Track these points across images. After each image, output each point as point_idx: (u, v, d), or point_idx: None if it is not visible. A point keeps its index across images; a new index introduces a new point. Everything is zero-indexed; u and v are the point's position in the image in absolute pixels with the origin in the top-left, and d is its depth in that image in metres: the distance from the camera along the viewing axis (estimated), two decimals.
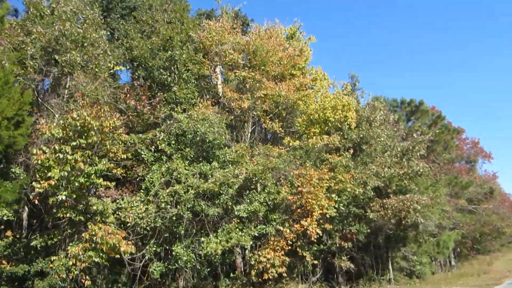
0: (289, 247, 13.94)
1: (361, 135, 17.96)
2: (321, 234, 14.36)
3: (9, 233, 12.19)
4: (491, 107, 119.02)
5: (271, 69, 17.26)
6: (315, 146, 16.94)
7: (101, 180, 11.17)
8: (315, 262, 15.67)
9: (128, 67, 16.08)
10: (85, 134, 10.97)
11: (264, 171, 14.11)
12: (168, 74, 15.89)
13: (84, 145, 11.03)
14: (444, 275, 30.39)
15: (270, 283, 14.06)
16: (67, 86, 13.51)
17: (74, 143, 10.81)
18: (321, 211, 14.14)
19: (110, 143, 11.37)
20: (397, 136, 20.41)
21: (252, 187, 14.40)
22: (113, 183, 12.04)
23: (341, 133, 18.03)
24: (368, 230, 20.08)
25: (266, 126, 17.26)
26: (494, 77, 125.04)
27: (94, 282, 12.29)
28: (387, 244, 22.89)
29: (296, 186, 14.20)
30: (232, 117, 17.12)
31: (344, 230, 17.84)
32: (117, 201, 12.40)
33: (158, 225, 12.02)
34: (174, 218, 12.08)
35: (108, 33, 17.45)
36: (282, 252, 13.58)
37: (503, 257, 45.80)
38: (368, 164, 17.63)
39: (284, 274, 13.68)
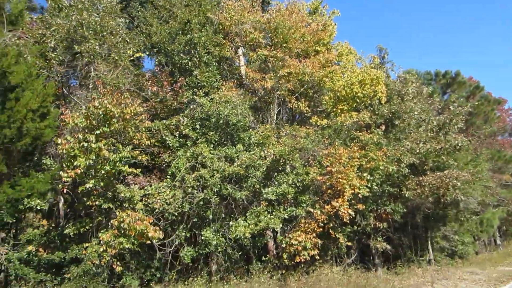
0: (321, 229, 13.48)
1: (393, 110, 17.00)
2: (354, 215, 13.79)
3: (44, 222, 12.53)
4: None
5: (294, 46, 16.58)
6: (344, 124, 16.22)
7: (126, 167, 11.16)
8: (349, 244, 15.15)
9: (149, 54, 15.93)
10: (108, 122, 10.94)
11: (291, 152, 13.64)
12: (189, 58, 15.63)
13: (107, 133, 11.02)
14: (489, 255, 28.96)
15: (302, 266, 13.72)
16: (90, 77, 13.59)
17: (98, 132, 10.81)
18: (352, 191, 13.53)
19: (133, 130, 11.29)
20: (432, 110, 19.23)
21: (280, 168, 13.99)
22: (139, 170, 11.98)
23: (371, 109, 17.16)
24: (405, 210, 19.23)
25: (292, 106, 16.69)
26: None
27: (128, 267, 12.47)
28: (426, 224, 21.90)
29: (325, 166, 13.63)
30: (256, 99, 16.71)
31: (378, 210, 17.13)
32: (145, 187, 12.41)
33: (186, 210, 11.93)
34: (201, 202, 11.93)
35: (128, 21, 17.40)
36: (314, 234, 13.15)
37: None
38: (401, 140, 16.71)
39: (317, 257, 13.27)
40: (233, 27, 16.53)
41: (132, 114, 11.05)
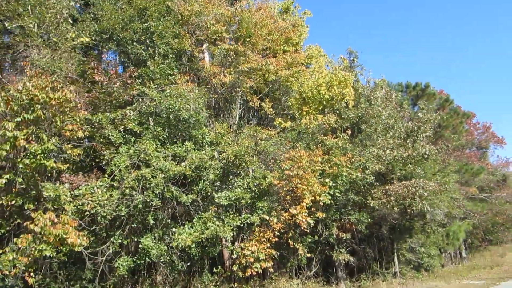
0: (277, 239, 12.32)
1: (360, 114, 16.18)
2: (312, 224, 12.72)
3: None
4: (504, 89, 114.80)
5: (259, 42, 15.52)
6: (309, 127, 15.24)
7: (51, 162, 9.62)
8: (310, 255, 14.03)
9: (99, 41, 14.40)
10: (32, 108, 9.42)
11: (247, 153, 12.46)
12: (143, 48, 14.27)
13: (30, 121, 9.49)
14: (455, 268, 28.63)
15: (255, 279, 12.49)
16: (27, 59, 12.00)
17: (19, 119, 9.28)
18: (313, 198, 12.48)
19: (61, 119, 9.79)
20: (401, 118, 18.58)
21: (235, 171, 12.79)
22: (66, 166, 10.43)
23: (338, 112, 16.28)
24: (370, 220, 18.38)
25: (253, 105, 15.57)
26: (505, 57, 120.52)
27: (55, 278, 10.89)
28: (392, 235, 21.18)
29: (283, 170, 12.52)
30: (216, 96, 15.52)
31: (342, 220, 16.19)
32: (79, 187, 10.89)
33: (123, 214, 10.48)
34: (140, 206, 10.52)
35: (81, 4, 15.88)
36: (268, 245, 11.96)
37: None
38: (368, 147, 15.87)
39: (271, 270, 12.07)
40: (193, 18, 15.29)
41: (61, 100, 9.55)
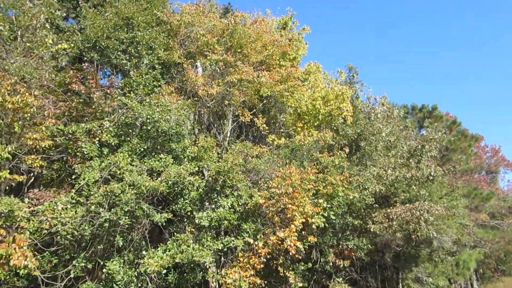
0: (263, 265, 11.02)
1: (358, 131, 15.06)
2: (305, 250, 11.40)
3: None
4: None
5: (251, 54, 14.68)
6: (303, 144, 14.16)
7: (5, 172, 8.61)
8: (302, 284, 12.61)
9: (78, 48, 13.66)
10: None
11: (232, 170, 11.35)
12: (128, 58, 13.51)
13: None
14: None
15: None
16: None
17: None
18: (304, 220, 11.23)
19: (20, 125, 8.84)
20: (405, 137, 17.40)
21: (219, 189, 11.64)
22: (23, 177, 9.39)
23: (335, 128, 15.22)
24: (371, 247, 16.93)
25: (244, 120, 14.57)
26: None
27: None
28: (396, 264, 19.59)
29: (271, 188, 11.34)
30: (205, 110, 14.59)
31: (340, 246, 14.79)
32: (46, 203, 9.83)
33: (86, 233, 9.33)
34: (106, 224, 9.37)
35: (68, 13, 15.34)
36: (253, 272, 10.65)
37: None
38: (367, 166, 14.67)
39: None
40: (183, 29, 14.57)
41: (20, 105, 8.64)
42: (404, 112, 32.10)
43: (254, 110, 16.37)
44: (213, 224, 10.98)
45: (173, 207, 11.23)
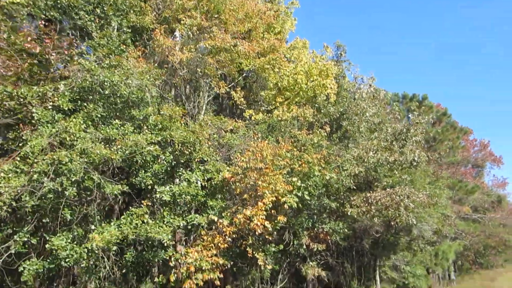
0: (226, 245, 10.19)
1: (341, 109, 14.20)
2: (272, 229, 10.58)
3: None
4: (504, 107, 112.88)
5: (229, 20, 13.53)
6: (281, 120, 13.26)
7: None
8: (270, 267, 11.86)
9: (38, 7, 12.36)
10: None
11: (198, 141, 10.40)
12: (92, 18, 12.30)
13: None
14: None
15: None
16: None
17: None
18: (275, 199, 10.40)
19: None
20: (390, 121, 16.62)
21: (183, 161, 10.70)
22: None
23: (317, 106, 14.34)
24: (349, 232, 16.32)
25: (219, 91, 13.55)
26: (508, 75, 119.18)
27: None
28: (374, 251, 19.07)
29: (239, 162, 10.44)
30: (178, 79, 13.50)
31: (316, 229, 14.07)
32: None
33: (28, 205, 8.33)
34: (50, 195, 8.38)
35: None
36: (215, 252, 9.82)
37: (506, 273, 41.43)
38: (348, 147, 13.88)
39: (217, 282, 9.89)
40: None
41: None
42: (394, 101, 31.51)
43: (233, 83, 15.37)
44: (177, 199, 10.07)
45: (133, 180, 10.27)
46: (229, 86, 15.19)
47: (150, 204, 9.77)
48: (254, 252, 11.48)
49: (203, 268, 9.42)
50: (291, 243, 13.28)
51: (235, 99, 14.58)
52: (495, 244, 32.99)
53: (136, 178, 10.24)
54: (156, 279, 10.30)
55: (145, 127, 10.12)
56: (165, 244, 9.53)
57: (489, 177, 37.88)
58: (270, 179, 10.37)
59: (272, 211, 10.51)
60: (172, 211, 10.19)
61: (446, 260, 27.12)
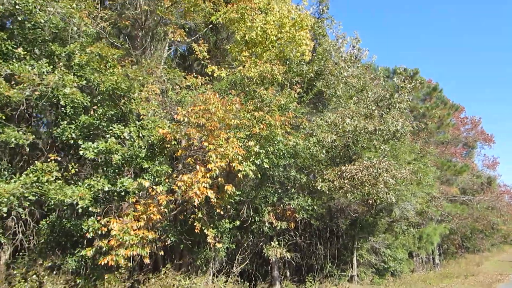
0: (159, 216, 8.44)
1: (316, 68, 12.32)
2: (217, 200, 8.82)
3: None
4: (498, 87, 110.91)
5: None
6: (245, 76, 11.37)
7: None
8: (220, 245, 10.18)
9: None
10: None
11: (133, 88, 8.51)
12: None
13: None
14: (425, 275, 25.27)
15: (122, 271, 8.62)
16: None
17: None
18: (224, 165, 8.62)
19: None
20: (375, 86, 14.77)
21: (114, 113, 8.82)
22: None
23: (288, 63, 12.43)
24: (323, 210, 14.77)
25: (173, 38, 11.56)
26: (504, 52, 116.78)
27: None
28: (352, 232, 17.58)
29: (177, 114, 8.60)
30: (128, 23, 11.51)
31: (282, 205, 12.41)
32: None
33: None
34: None
35: None
36: (147, 224, 8.10)
37: (493, 257, 40.71)
38: (322, 111, 12.07)
39: (146, 260, 8.20)
40: None
41: None
42: (384, 76, 29.60)
43: (197, 35, 13.39)
44: (108, 160, 8.27)
45: (55, 131, 8.43)
46: (192, 39, 13.25)
47: (57, 157, 7.93)
48: (203, 228, 9.83)
49: (128, 242, 7.70)
50: (251, 220, 11.63)
51: (197, 53, 12.60)
52: (483, 227, 31.84)
53: (57, 130, 8.39)
54: (82, 253, 8.53)
55: (61, 65, 8.14)
56: (81, 211, 7.78)
57: (480, 157, 36.57)
58: (219, 141, 8.56)
59: (220, 179, 8.75)
60: (98, 172, 8.40)
61: (431, 243, 25.81)
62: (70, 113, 8.48)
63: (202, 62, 12.97)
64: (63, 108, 8.44)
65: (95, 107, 8.81)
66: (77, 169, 8.21)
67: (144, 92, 9.40)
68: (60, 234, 9.14)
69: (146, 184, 8.07)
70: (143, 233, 7.88)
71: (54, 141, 8.51)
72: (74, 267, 9.02)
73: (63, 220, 8.60)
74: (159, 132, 8.41)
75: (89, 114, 8.82)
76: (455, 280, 22.85)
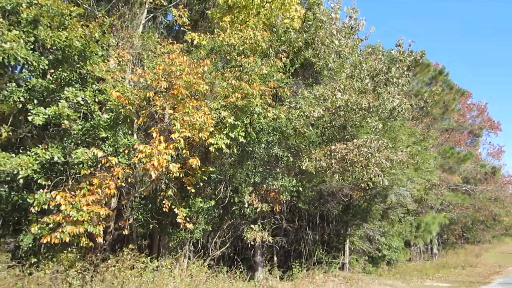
0: (114, 191, 7.52)
1: (306, 36, 11.19)
2: (177, 174, 7.84)
3: None
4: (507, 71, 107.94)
5: None
6: (227, 44, 10.30)
7: None
8: (190, 226, 9.29)
9: None
10: None
11: (87, 47, 7.50)
12: None
13: None
14: (421, 264, 24.53)
15: (78, 251, 7.76)
16: None
17: None
18: (191, 136, 7.66)
19: None
20: (372, 61, 13.60)
21: (66, 74, 7.84)
22: None
23: (275, 30, 11.32)
24: (312, 193, 13.89)
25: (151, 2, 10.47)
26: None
27: None
28: (344, 218, 16.67)
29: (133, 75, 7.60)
30: None
31: (266, 185, 11.46)
32: None
33: None
34: None
35: None
36: (99, 199, 7.19)
37: (493, 249, 39.75)
38: (311, 85, 11.00)
39: (99, 239, 7.33)
40: None
41: None
42: (390, 58, 28.25)
43: (177, 1, 12.30)
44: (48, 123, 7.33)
45: (1, 94, 7.49)
46: (172, 4, 12.17)
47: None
48: (173, 206, 8.94)
49: (77, 219, 6.81)
50: (230, 201, 10.71)
51: (175, 18, 11.53)
52: (484, 218, 30.87)
53: (3, 92, 7.45)
54: (32, 229, 7.64)
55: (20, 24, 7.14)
56: (23, 182, 6.90)
57: (485, 145, 35.30)
58: (185, 109, 7.57)
59: (185, 151, 7.78)
60: (54, 143, 7.48)
61: (429, 232, 24.88)
62: (23, 76, 7.55)
63: (183, 29, 11.90)
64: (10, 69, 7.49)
65: (51, 71, 7.86)
66: (24, 136, 7.28)
67: (113, 58, 8.44)
68: (12, 209, 8.29)
69: (99, 154, 7.13)
70: (95, 210, 6.98)
71: None
72: (30, 246, 8.20)
73: (12, 193, 7.73)
74: (112, 95, 7.42)
75: (46, 79, 7.88)
76: (452, 271, 22.03)
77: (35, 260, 7.80)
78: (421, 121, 23.53)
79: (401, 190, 15.41)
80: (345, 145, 11.12)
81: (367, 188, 13.52)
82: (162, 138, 7.12)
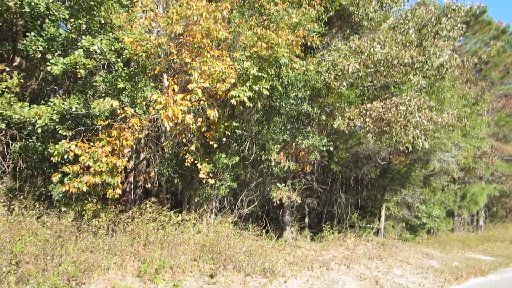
0: (131, 143, 7.37)
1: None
2: (194, 126, 7.48)
3: None
4: None
5: None
6: None
7: None
8: (212, 181, 9.07)
9: None
10: None
11: None
12: None
13: None
14: (465, 236, 23.24)
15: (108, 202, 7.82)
16: None
17: None
18: (206, 85, 7.21)
19: None
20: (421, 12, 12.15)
21: (83, 21, 7.57)
22: None
23: None
24: (346, 155, 13.21)
25: None
26: None
27: None
28: (381, 182, 15.84)
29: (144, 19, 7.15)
30: None
31: (295, 144, 10.92)
32: None
33: None
34: None
35: None
36: (109, 149, 7.06)
37: None
38: (348, 37, 10.02)
39: (117, 190, 7.28)
40: None
41: None
42: (446, 14, 25.64)
43: None
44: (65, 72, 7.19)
45: (20, 44, 7.44)
46: None
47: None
48: (196, 161, 8.74)
49: (94, 169, 6.77)
50: (256, 158, 10.35)
51: None
52: None
53: (22, 42, 7.38)
54: (53, 178, 7.73)
55: None
56: (41, 131, 6.91)
57: None
58: (204, 58, 7.09)
59: (203, 103, 7.39)
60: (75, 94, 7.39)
61: (476, 203, 23.32)
62: (46, 26, 7.38)
63: None
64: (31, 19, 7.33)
65: (71, 20, 7.65)
66: (37, 86, 7.22)
67: (137, 8, 8.04)
68: (41, 160, 8.47)
69: (114, 104, 6.92)
70: (113, 160, 6.89)
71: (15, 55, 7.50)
72: (60, 196, 8.42)
73: (37, 144, 7.84)
74: (124, 41, 7.07)
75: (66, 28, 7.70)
76: (498, 245, 20.68)
77: (65, 209, 7.97)
78: (475, 84, 21.42)
79: (445, 156, 14.23)
80: (382, 103, 10.22)
81: (407, 151, 12.60)
82: (176, 87, 6.75)
